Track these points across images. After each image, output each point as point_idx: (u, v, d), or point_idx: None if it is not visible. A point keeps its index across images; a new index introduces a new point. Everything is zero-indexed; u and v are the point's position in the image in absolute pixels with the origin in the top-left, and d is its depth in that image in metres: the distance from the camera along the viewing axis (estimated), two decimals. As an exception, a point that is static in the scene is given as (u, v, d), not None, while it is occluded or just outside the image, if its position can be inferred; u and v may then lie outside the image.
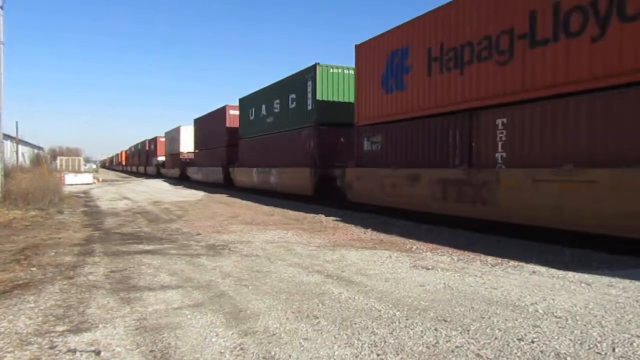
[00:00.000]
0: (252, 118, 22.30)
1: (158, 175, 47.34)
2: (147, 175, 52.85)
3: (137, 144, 68.47)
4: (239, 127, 24.01)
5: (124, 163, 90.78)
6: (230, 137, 25.55)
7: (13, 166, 25.50)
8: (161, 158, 47.63)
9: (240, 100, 23.85)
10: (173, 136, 40.96)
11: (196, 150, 34.06)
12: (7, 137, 32.78)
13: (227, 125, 26.07)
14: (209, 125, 29.80)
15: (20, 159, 39.91)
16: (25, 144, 52.39)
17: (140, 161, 64.65)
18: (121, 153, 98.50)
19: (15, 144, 43.34)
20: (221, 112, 27.22)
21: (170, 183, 34.56)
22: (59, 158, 56.22)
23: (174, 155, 40.19)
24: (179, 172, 37.76)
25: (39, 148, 61.09)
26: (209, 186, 28.41)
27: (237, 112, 24.87)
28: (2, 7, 15.47)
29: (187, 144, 37.05)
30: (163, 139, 46.96)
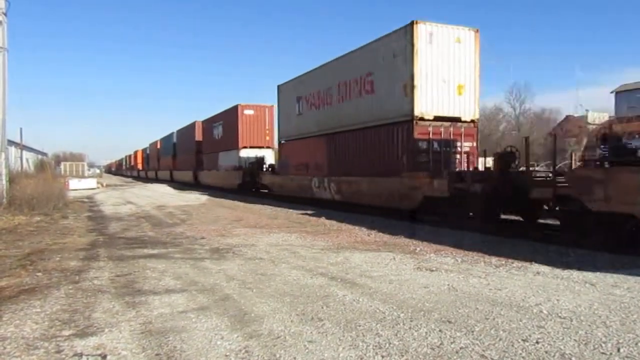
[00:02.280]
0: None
1: (254, 193, 23.59)
2: (208, 190, 28.46)
3: (171, 134, 43.12)
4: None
5: (139, 167, 67.42)
6: None
7: (17, 172, 25.59)
8: (253, 152, 25.10)
9: None
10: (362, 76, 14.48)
11: None
12: (11, 143, 32.97)
13: None
14: None
15: (25, 164, 40.10)
16: (29, 149, 52.67)
17: (177, 163, 41.09)
18: (135, 154, 73.85)
19: (19, 150, 43.56)
20: None
21: (175, 188, 34.27)
22: (62, 163, 56.48)
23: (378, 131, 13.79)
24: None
25: (43, 154, 61.39)
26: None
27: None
28: (5, 14, 15.60)
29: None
30: (251, 112, 25.61)
